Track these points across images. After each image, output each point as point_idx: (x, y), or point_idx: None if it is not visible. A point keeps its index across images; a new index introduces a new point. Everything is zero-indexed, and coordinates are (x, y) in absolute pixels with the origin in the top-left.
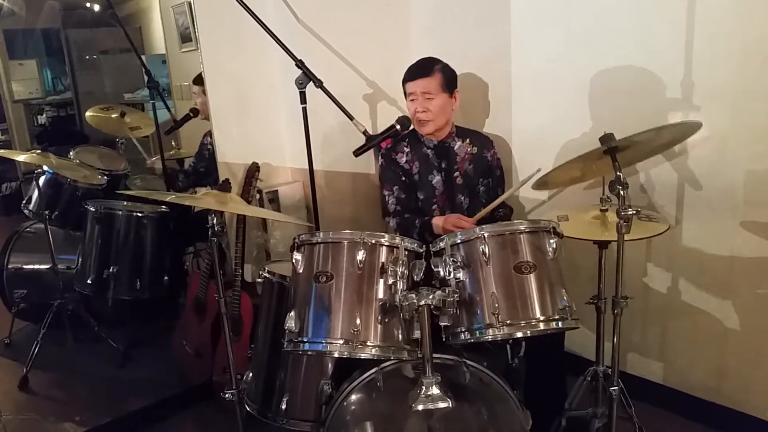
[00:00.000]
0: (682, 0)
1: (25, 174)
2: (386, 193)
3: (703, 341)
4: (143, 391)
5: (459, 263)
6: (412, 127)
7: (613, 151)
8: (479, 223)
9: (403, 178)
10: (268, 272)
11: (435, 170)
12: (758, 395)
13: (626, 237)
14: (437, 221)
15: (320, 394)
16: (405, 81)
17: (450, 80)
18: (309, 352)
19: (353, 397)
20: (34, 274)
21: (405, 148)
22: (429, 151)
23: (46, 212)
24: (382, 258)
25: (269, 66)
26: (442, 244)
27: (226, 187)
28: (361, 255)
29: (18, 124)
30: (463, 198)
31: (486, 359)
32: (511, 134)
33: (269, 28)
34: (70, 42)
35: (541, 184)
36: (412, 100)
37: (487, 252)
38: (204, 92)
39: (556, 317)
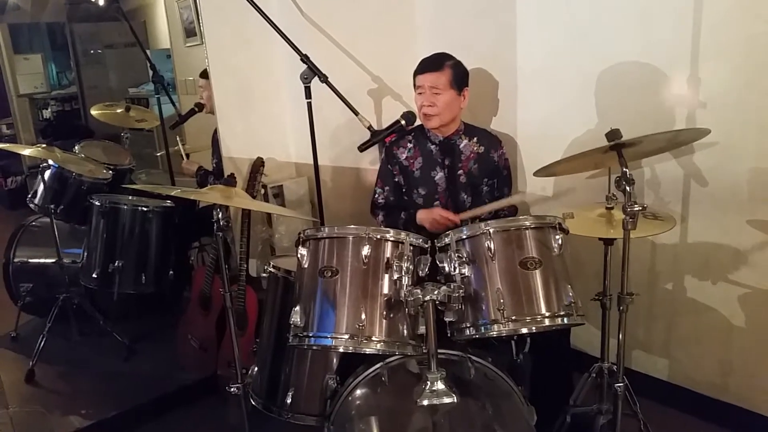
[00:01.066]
0: None
1: (30, 168)
2: (377, 189)
3: (708, 338)
4: (148, 384)
5: (464, 259)
6: (417, 122)
7: (619, 147)
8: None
9: (397, 179)
10: (274, 267)
11: (438, 167)
12: (764, 392)
13: (632, 234)
14: (422, 213)
15: (325, 388)
16: (415, 73)
17: (460, 78)
18: (314, 347)
19: (358, 391)
20: (40, 268)
21: (408, 144)
22: (433, 147)
23: (52, 206)
24: (387, 253)
25: (274, 61)
26: (447, 240)
27: (231, 181)
28: (366, 250)
29: (23, 118)
30: (466, 196)
31: (491, 355)
32: (517, 129)
33: (274, 22)
34: (74, 36)
35: (548, 173)
36: (420, 93)
37: (492, 248)
38: (210, 86)
39: (562, 313)
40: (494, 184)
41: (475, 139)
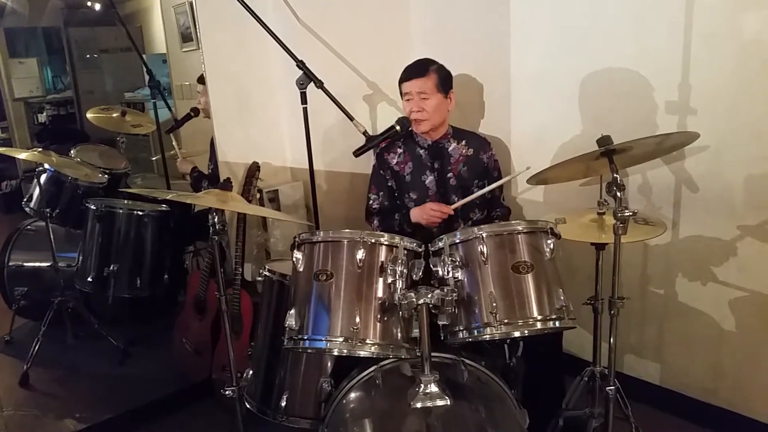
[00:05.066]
0: (679, 2)
1: (25, 172)
2: (371, 196)
3: (699, 342)
4: (143, 388)
5: (457, 263)
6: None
7: (610, 153)
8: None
9: (390, 184)
10: (269, 271)
11: (428, 170)
12: (754, 396)
13: (623, 239)
14: (415, 210)
15: (320, 391)
16: (401, 81)
17: (445, 81)
18: (309, 350)
19: (352, 394)
20: (35, 272)
21: (399, 149)
22: (422, 151)
23: (47, 210)
24: (382, 257)
25: (270, 66)
26: (440, 244)
27: (227, 185)
28: (360, 254)
29: (18, 122)
30: (456, 199)
31: (484, 358)
32: (510, 135)
33: (270, 28)
34: (70, 40)
35: (539, 180)
36: (408, 99)
37: (485, 252)
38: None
39: (553, 317)
40: (484, 185)
41: (464, 141)
